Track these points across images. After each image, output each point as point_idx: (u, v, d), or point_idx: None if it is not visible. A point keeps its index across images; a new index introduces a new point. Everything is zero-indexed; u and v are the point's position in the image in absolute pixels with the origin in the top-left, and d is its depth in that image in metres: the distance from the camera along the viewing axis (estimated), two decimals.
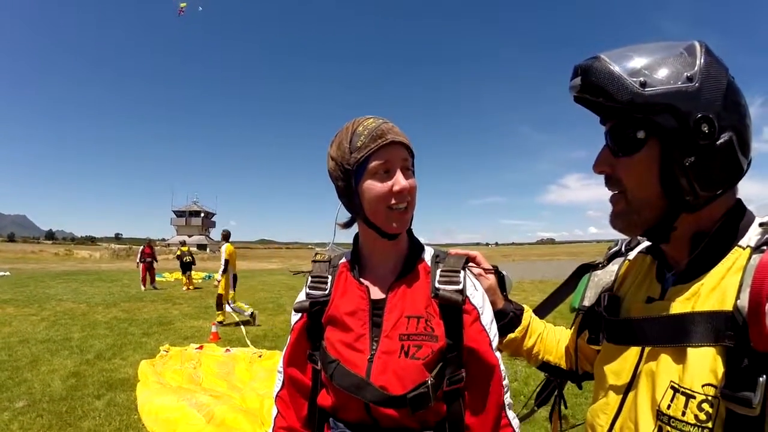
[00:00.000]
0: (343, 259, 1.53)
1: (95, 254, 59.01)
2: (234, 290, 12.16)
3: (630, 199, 1.02)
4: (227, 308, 11.78)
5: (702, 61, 0.93)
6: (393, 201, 1.32)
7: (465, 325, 1.34)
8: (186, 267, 20.64)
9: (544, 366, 1.60)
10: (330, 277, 1.49)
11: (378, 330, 1.35)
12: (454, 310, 1.33)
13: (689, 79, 0.91)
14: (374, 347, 1.34)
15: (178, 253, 20.79)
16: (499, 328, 1.48)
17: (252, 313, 11.74)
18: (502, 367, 1.39)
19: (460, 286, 1.36)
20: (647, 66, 0.93)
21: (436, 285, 1.37)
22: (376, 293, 1.41)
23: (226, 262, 11.86)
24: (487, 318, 1.40)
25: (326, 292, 1.46)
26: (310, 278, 1.51)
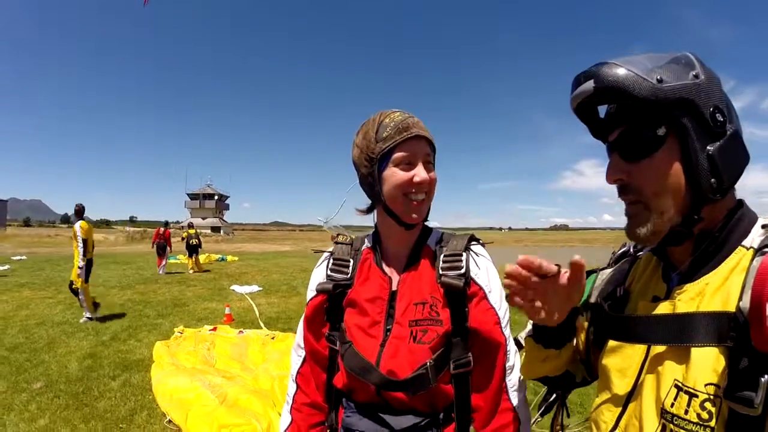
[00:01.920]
0: (366, 244, 1.58)
1: (110, 237, 59.38)
2: (87, 280, 9.95)
3: (650, 205, 1.01)
4: (80, 298, 9.67)
5: (700, 63, 0.98)
6: (412, 190, 1.38)
7: (470, 306, 1.37)
8: (192, 249, 20.45)
9: (545, 377, 1.41)
10: (352, 261, 1.54)
11: (392, 318, 1.41)
12: (458, 295, 1.37)
13: (695, 76, 0.95)
14: (387, 334, 1.39)
15: (185, 235, 20.70)
16: (547, 340, 1.24)
17: (95, 303, 10.03)
18: (510, 347, 1.39)
19: (462, 270, 1.39)
20: (657, 66, 0.95)
21: (440, 271, 1.41)
22: (394, 282, 1.47)
23: (85, 242, 9.74)
24: (496, 296, 1.40)
25: (348, 276, 1.51)
26: (332, 260, 1.56)
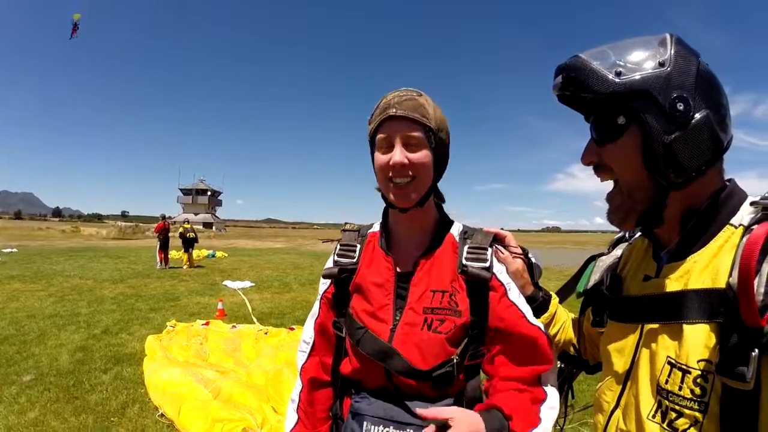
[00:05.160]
0: (373, 229, 1.58)
1: (102, 231, 59.12)
2: None
3: (622, 185, 1.07)
4: None
5: (672, 48, 0.99)
6: (390, 174, 1.35)
7: (492, 302, 1.37)
8: (188, 243, 20.11)
9: (563, 355, 1.60)
10: (358, 246, 1.54)
11: (402, 302, 1.39)
12: (481, 287, 1.36)
13: (661, 64, 0.98)
14: (397, 318, 1.38)
15: (181, 230, 20.45)
16: None
17: None
18: (548, 339, 1.38)
19: (487, 264, 1.38)
20: (622, 58, 1.00)
21: (464, 261, 1.39)
22: (403, 266, 1.45)
23: None
24: (515, 293, 1.41)
25: (354, 260, 1.51)
26: (338, 246, 1.57)
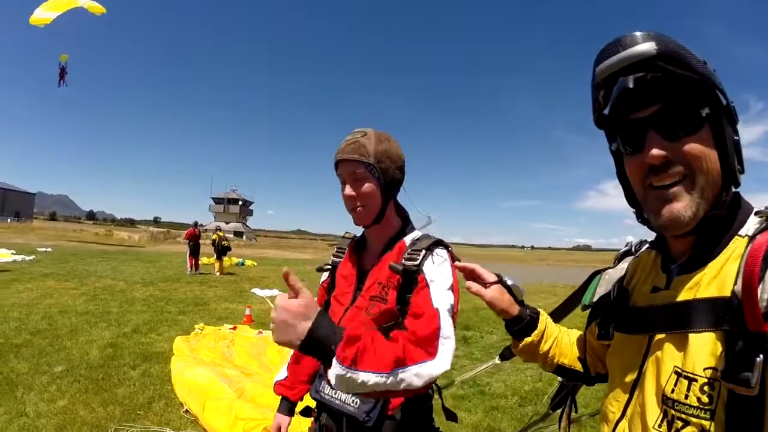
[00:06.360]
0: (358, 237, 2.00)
1: (134, 236, 60.32)
2: None
3: (696, 180, 0.96)
4: None
5: None
6: (347, 205, 1.75)
7: (413, 294, 1.61)
8: (222, 251, 20.51)
9: (559, 369, 1.56)
10: (347, 248, 1.97)
11: (360, 292, 1.77)
12: (406, 282, 1.63)
13: (714, 71, 0.96)
14: (352, 303, 1.76)
15: (215, 237, 20.77)
16: (515, 333, 1.54)
17: None
18: (443, 322, 1.52)
19: (416, 262, 1.63)
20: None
21: (402, 261, 1.65)
22: (367, 264, 1.85)
23: None
24: (437, 289, 1.59)
25: (341, 259, 1.97)
26: (336, 248, 2.05)
